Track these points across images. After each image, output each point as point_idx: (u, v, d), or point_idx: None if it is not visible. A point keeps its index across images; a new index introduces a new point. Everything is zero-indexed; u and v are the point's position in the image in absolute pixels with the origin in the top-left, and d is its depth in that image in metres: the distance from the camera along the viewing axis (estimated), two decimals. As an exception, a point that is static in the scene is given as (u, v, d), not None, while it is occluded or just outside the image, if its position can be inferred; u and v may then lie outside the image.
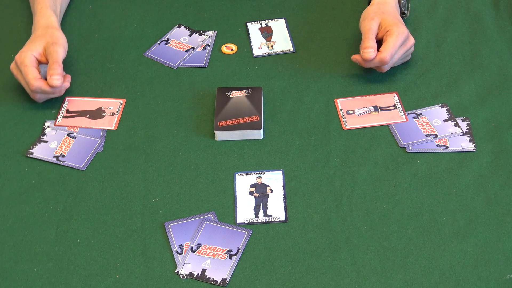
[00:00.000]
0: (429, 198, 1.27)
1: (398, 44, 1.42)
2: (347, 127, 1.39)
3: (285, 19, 1.60)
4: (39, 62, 1.43)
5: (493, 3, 1.61)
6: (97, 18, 1.62)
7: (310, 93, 1.45)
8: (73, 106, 1.44)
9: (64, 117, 1.42)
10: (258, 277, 1.19)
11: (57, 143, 1.38)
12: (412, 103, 1.43)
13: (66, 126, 1.41)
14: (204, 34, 1.58)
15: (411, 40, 1.45)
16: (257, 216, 1.26)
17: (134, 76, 1.50)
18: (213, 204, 1.28)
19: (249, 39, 1.57)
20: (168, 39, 1.57)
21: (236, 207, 1.28)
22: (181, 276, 1.19)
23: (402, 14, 1.54)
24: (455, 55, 1.51)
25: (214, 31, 1.58)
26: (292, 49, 1.54)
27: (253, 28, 1.59)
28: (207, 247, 1.22)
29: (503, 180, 1.29)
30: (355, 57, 1.45)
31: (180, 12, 1.63)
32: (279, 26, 1.59)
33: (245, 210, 1.27)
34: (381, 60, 1.41)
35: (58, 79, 1.40)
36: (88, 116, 1.43)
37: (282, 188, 1.30)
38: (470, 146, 1.35)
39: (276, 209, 1.27)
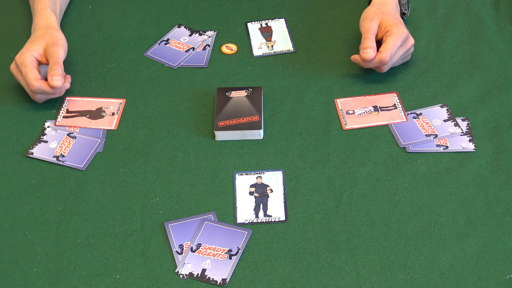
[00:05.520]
0: (429, 198, 1.27)
1: (398, 44, 1.42)
2: (347, 127, 1.39)
3: (285, 19, 1.60)
4: (39, 63, 1.43)
5: (493, 3, 1.61)
6: (97, 18, 1.62)
7: (310, 93, 1.45)
8: (73, 106, 1.44)
9: (64, 117, 1.42)
10: (258, 277, 1.19)
11: (57, 143, 1.38)
12: (412, 103, 1.43)
13: (66, 126, 1.41)
14: (204, 34, 1.58)
15: (411, 41, 1.45)
16: (257, 216, 1.26)
17: (134, 76, 1.50)
18: (213, 204, 1.28)
19: (249, 39, 1.57)
20: (168, 39, 1.57)
21: (236, 207, 1.28)
22: (181, 276, 1.19)
23: (403, 14, 1.54)
24: (455, 55, 1.51)
25: (214, 31, 1.58)
26: (292, 49, 1.54)
27: (253, 28, 1.59)
28: (207, 247, 1.22)
29: (503, 180, 1.29)
30: (355, 57, 1.45)
31: (180, 12, 1.63)
32: (279, 26, 1.59)
33: (245, 210, 1.27)
34: (381, 61, 1.41)
35: (59, 80, 1.40)
36: (88, 116, 1.43)
37: (282, 188, 1.30)
38: (470, 146, 1.35)
39: (276, 209, 1.27)
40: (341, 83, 1.47)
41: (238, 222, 1.26)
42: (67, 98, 1.45)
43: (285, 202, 1.28)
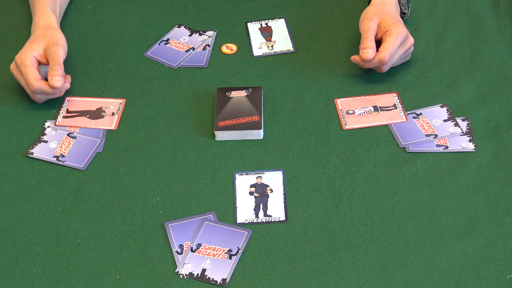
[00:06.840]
0: (429, 198, 1.27)
1: (397, 44, 1.42)
2: (347, 127, 1.39)
3: (285, 19, 1.60)
4: (39, 63, 1.43)
5: (493, 3, 1.61)
6: (97, 18, 1.62)
7: (310, 93, 1.45)
8: (73, 106, 1.44)
9: (64, 117, 1.42)
10: (258, 277, 1.19)
11: (57, 143, 1.38)
12: (412, 103, 1.43)
13: (66, 126, 1.41)
14: (204, 34, 1.58)
15: (411, 40, 1.45)
16: (257, 216, 1.26)
17: (134, 76, 1.50)
18: (213, 204, 1.28)
19: (249, 39, 1.57)
20: (168, 39, 1.57)
21: (236, 207, 1.28)
22: (181, 276, 1.19)
23: (403, 14, 1.54)
24: (455, 55, 1.51)
25: (214, 31, 1.58)
26: (292, 49, 1.54)
27: (253, 28, 1.59)
28: (207, 247, 1.22)
29: (503, 180, 1.29)
30: (354, 57, 1.45)
31: (180, 12, 1.63)
32: (279, 26, 1.59)
33: (245, 210, 1.27)
34: (380, 61, 1.41)
35: (59, 80, 1.40)
36: (88, 116, 1.43)
37: (282, 188, 1.30)
38: (470, 146, 1.35)
39: (276, 209, 1.27)
40: (341, 83, 1.47)
41: (238, 222, 1.26)
42: (67, 98, 1.46)
43: (285, 202, 1.28)
